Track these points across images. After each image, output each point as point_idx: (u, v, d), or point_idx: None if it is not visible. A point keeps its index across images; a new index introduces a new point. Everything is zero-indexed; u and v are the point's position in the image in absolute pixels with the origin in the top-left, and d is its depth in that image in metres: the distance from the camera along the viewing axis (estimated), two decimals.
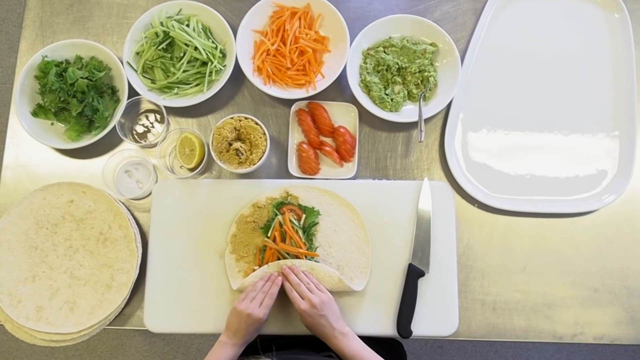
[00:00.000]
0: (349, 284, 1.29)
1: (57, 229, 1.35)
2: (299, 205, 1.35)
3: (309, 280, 1.24)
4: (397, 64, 1.43)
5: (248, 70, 1.42)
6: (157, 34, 1.41)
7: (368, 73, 1.43)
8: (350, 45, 1.41)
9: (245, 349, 1.21)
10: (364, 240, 1.34)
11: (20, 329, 1.30)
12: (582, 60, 1.48)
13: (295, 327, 1.31)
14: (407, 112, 1.43)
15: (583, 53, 1.49)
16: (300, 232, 1.31)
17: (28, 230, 1.35)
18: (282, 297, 1.28)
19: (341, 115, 1.44)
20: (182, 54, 1.41)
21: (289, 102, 1.44)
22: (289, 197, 1.36)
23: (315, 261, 1.30)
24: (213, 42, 1.43)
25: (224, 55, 1.44)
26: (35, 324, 1.29)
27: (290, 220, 1.31)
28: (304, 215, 1.33)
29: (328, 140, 1.43)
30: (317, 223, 1.34)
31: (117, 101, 1.43)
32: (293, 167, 1.41)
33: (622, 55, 1.46)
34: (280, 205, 1.34)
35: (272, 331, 1.32)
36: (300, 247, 1.29)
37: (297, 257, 1.30)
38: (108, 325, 1.33)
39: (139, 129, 1.46)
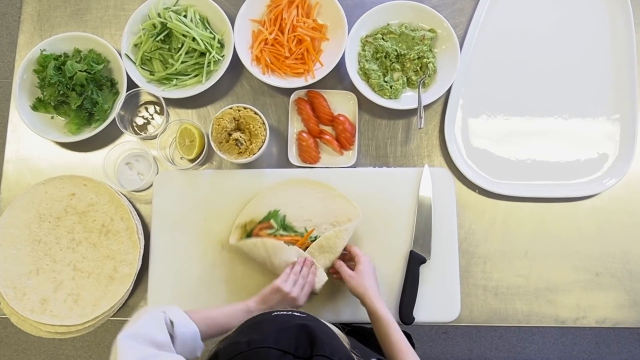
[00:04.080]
0: (350, 225, 1.30)
1: (59, 222, 1.36)
2: (263, 220, 1.34)
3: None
4: (396, 50, 1.42)
5: (246, 60, 1.41)
6: (154, 26, 1.41)
7: (367, 60, 1.42)
8: (349, 32, 1.41)
9: None
10: (327, 190, 1.35)
11: (26, 321, 1.31)
12: (582, 44, 1.47)
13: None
14: (407, 99, 1.43)
15: (583, 36, 1.47)
16: (281, 232, 1.32)
17: (31, 223, 1.36)
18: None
19: (340, 104, 1.44)
20: (180, 45, 1.41)
21: (288, 91, 1.44)
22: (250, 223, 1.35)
23: (315, 238, 1.31)
24: (211, 33, 1.43)
25: (222, 46, 1.44)
26: (40, 317, 1.30)
27: (268, 234, 1.31)
28: (272, 223, 1.33)
29: (328, 128, 1.43)
30: (285, 215, 1.34)
31: (117, 93, 1.43)
32: (293, 156, 1.42)
33: (622, 37, 1.45)
34: (250, 234, 1.33)
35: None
36: (297, 241, 1.30)
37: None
38: (112, 317, 1.34)
39: (139, 120, 1.46)
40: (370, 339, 1.19)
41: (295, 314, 0.88)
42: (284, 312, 0.89)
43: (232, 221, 1.36)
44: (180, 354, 1.01)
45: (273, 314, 0.88)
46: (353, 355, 0.82)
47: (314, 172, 1.39)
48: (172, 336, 1.01)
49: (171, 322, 1.03)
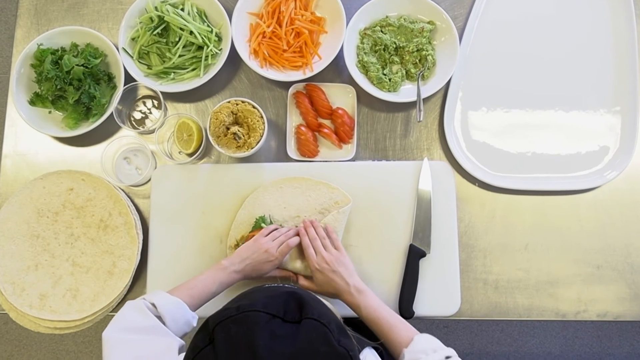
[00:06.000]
0: (347, 207, 1.32)
1: (57, 217, 1.36)
2: (252, 230, 1.32)
3: (325, 236, 1.25)
4: (395, 43, 1.41)
5: (244, 53, 1.41)
6: (151, 19, 1.40)
7: (365, 53, 1.41)
8: (347, 25, 1.39)
9: None
10: (304, 182, 1.35)
11: (25, 317, 1.31)
12: (582, 36, 1.46)
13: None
14: (406, 92, 1.42)
15: (583, 28, 1.46)
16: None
17: (29, 219, 1.35)
18: None
19: (339, 97, 1.43)
20: (177, 39, 1.40)
21: (286, 85, 1.43)
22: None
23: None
24: (208, 26, 1.42)
25: (219, 39, 1.43)
26: (39, 312, 1.30)
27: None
28: (263, 226, 1.32)
29: (326, 122, 1.42)
30: (268, 218, 1.34)
31: (114, 88, 1.42)
32: (292, 150, 1.41)
33: (623, 29, 1.44)
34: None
35: None
36: None
37: None
38: (111, 312, 1.34)
39: (137, 115, 1.45)
40: (366, 328, 1.19)
41: (286, 285, 0.92)
42: (275, 285, 0.93)
43: (231, 215, 1.36)
44: (175, 329, 1.06)
45: (265, 286, 0.91)
46: (344, 326, 0.82)
47: (313, 166, 1.38)
48: (160, 318, 1.05)
49: (153, 305, 1.06)
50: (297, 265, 1.27)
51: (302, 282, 1.26)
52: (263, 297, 0.80)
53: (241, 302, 0.78)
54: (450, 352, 1.06)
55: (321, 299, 0.89)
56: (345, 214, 1.32)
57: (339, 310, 1.28)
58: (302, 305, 0.78)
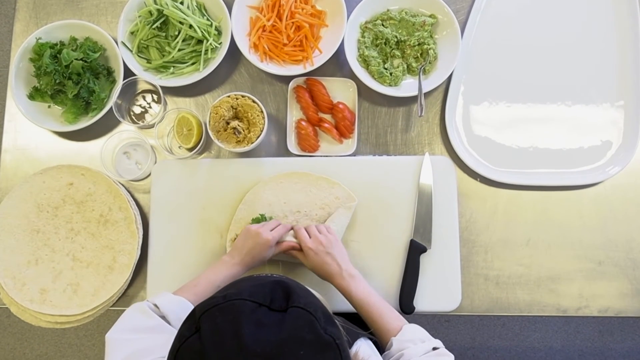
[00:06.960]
0: (354, 204, 1.32)
1: (57, 212, 1.35)
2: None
3: (319, 224, 1.26)
4: (396, 37, 1.40)
5: (244, 47, 1.40)
6: (151, 13, 1.39)
7: (366, 47, 1.40)
8: (348, 19, 1.38)
9: None
10: (305, 177, 1.35)
11: (25, 311, 1.31)
12: (585, 30, 1.44)
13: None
14: (407, 86, 1.41)
15: (587, 23, 1.45)
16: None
17: (29, 213, 1.35)
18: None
19: (340, 91, 1.42)
20: (177, 33, 1.39)
21: (286, 79, 1.42)
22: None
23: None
24: (208, 20, 1.41)
25: (219, 33, 1.42)
26: (39, 307, 1.30)
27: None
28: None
29: (327, 116, 1.42)
30: (268, 215, 1.34)
31: (113, 82, 1.42)
32: (292, 144, 1.40)
33: (626, 22, 1.42)
34: None
35: None
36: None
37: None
38: (112, 306, 1.34)
39: (136, 109, 1.45)
40: (359, 320, 1.19)
41: (274, 275, 0.92)
42: (262, 274, 0.94)
43: (231, 210, 1.35)
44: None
45: (254, 275, 0.92)
46: (332, 315, 0.81)
47: (313, 161, 1.37)
48: (164, 318, 1.06)
49: (155, 306, 1.07)
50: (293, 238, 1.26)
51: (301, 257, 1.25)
52: (250, 285, 0.80)
53: (228, 291, 0.78)
54: (438, 343, 1.07)
55: (310, 290, 0.89)
56: (351, 211, 1.31)
57: (333, 306, 1.28)
58: (289, 294, 0.78)
